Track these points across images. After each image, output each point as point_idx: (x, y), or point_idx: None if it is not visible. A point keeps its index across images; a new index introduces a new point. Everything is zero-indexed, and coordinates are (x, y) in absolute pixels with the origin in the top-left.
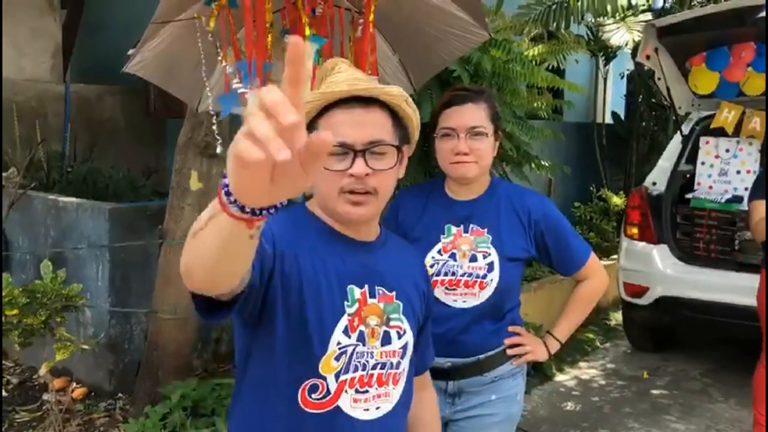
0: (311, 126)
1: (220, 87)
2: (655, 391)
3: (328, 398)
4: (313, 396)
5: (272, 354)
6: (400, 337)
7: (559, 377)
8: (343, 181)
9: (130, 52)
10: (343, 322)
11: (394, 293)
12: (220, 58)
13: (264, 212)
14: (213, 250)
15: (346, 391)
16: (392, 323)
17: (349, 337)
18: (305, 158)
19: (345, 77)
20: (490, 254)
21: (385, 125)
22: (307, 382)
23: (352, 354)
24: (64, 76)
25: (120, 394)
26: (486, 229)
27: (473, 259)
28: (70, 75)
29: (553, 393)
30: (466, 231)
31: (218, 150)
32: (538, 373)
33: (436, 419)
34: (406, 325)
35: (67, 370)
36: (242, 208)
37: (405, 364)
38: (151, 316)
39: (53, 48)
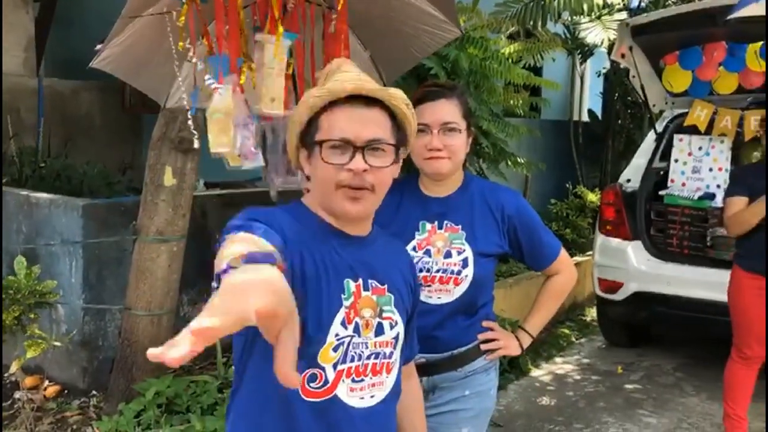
0: (315, 120)
1: (190, 82)
2: (629, 386)
3: (326, 387)
4: (311, 385)
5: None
6: (392, 327)
7: (535, 372)
8: (340, 175)
9: (98, 47)
10: (341, 314)
11: (385, 286)
12: (191, 54)
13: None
14: None
15: (343, 381)
16: (385, 315)
17: (346, 328)
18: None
19: (351, 77)
20: (464, 250)
21: (385, 125)
22: (306, 371)
23: (348, 345)
24: (38, 70)
25: (94, 392)
26: (460, 226)
27: (448, 255)
28: (43, 69)
29: (528, 388)
30: (440, 228)
31: (195, 144)
32: (513, 368)
33: (421, 407)
34: (397, 317)
35: (39, 368)
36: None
37: (396, 354)
38: (125, 313)
39: (26, 42)
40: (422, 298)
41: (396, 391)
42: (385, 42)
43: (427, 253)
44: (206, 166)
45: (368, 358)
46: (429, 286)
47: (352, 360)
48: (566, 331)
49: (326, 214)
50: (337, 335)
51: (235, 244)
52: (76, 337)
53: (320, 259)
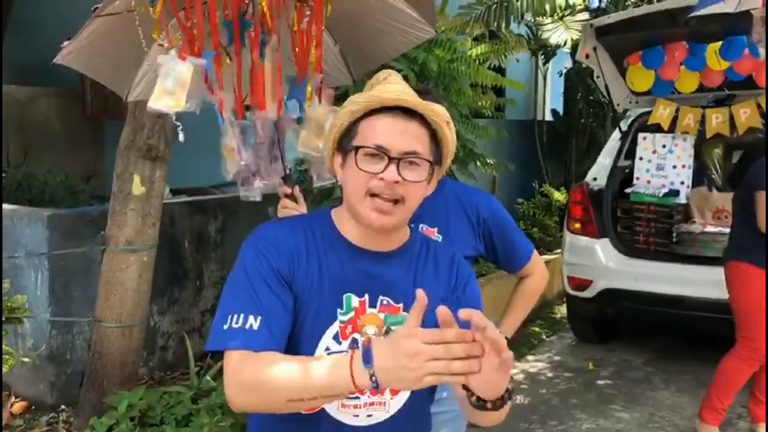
0: (354, 126)
1: (151, 76)
2: (600, 382)
3: None
4: None
5: None
6: None
7: None
8: (371, 183)
9: (65, 44)
10: (334, 328)
11: (401, 305)
12: (164, 44)
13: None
14: (298, 405)
15: None
16: None
17: (340, 343)
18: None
19: (395, 89)
20: None
21: (423, 140)
22: None
23: None
24: None
25: (63, 407)
26: (436, 228)
27: None
28: None
29: None
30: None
31: (181, 138)
32: None
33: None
34: None
35: (5, 385)
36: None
37: None
38: (94, 325)
39: None
40: None
41: (408, 413)
42: (356, 37)
43: None
44: (171, 172)
45: None
46: None
47: None
48: (536, 329)
49: (349, 224)
50: (327, 349)
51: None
52: (44, 351)
53: (316, 272)
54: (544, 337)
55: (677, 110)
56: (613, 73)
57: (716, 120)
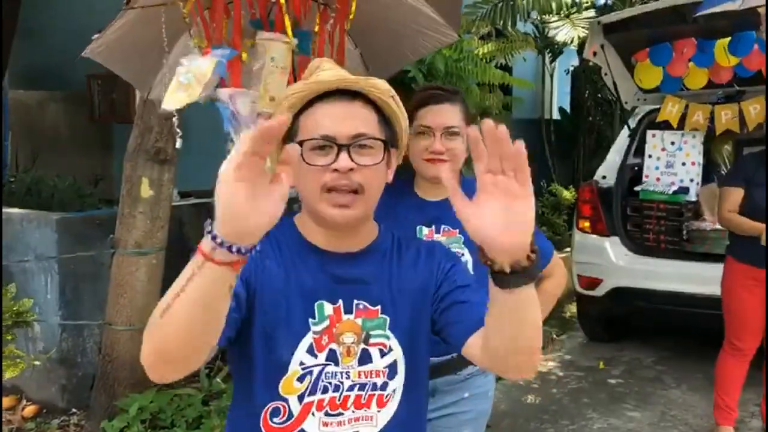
0: (294, 121)
1: (170, 77)
2: (611, 381)
3: (290, 422)
4: (275, 420)
5: (249, 377)
6: (383, 355)
7: None
8: (325, 177)
9: (95, 36)
10: (307, 340)
11: (378, 307)
12: (193, 42)
13: (249, 250)
14: (193, 317)
15: (313, 414)
16: (373, 340)
17: (315, 356)
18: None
19: (330, 74)
20: (463, 254)
21: (370, 120)
22: (269, 405)
23: (319, 374)
24: (1, 81)
25: (74, 410)
26: (458, 230)
27: None
28: (8, 81)
29: (512, 387)
30: (437, 232)
31: (178, 144)
32: None
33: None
34: (393, 342)
35: (16, 388)
36: (230, 248)
37: (396, 384)
38: (104, 328)
39: None
40: None
41: (398, 425)
42: (377, 40)
43: None
44: (179, 174)
45: (350, 389)
46: None
47: (325, 391)
48: (547, 328)
49: (313, 228)
50: (302, 364)
51: None
52: (54, 354)
53: (288, 282)
54: (554, 336)
55: (686, 107)
56: (621, 70)
57: (726, 116)
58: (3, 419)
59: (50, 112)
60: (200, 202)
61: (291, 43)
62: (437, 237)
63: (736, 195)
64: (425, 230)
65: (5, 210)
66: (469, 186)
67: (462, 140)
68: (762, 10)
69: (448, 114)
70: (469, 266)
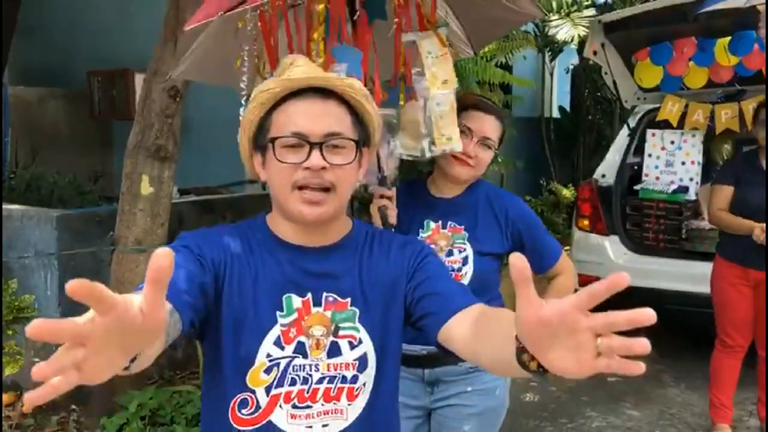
0: (265, 119)
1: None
2: (610, 379)
3: (258, 413)
4: (243, 411)
5: (218, 367)
6: (353, 347)
7: None
8: (297, 175)
9: (183, 58)
10: (275, 333)
11: (348, 300)
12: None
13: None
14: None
15: (280, 406)
16: (342, 333)
17: (283, 348)
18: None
19: (303, 71)
20: (465, 249)
21: (344, 119)
22: (237, 396)
23: (287, 367)
24: (1, 78)
25: (73, 406)
26: (463, 227)
27: (449, 254)
28: (7, 77)
29: (511, 385)
30: (444, 227)
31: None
32: None
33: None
34: (363, 335)
35: (16, 384)
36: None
37: (366, 377)
38: None
39: None
40: None
41: (369, 419)
42: (473, 10)
43: None
44: (179, 172)
45: (319, 382)
46: None
47: (293, 383)
48: None
49: (283, 224)
50: (269, 356)
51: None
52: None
53: (256, 277)
54: None
55: (686, 106)
56: (621, 69)
57: (726, 116)
58: (3, 415)
59: (50, 109)
60: (200, 199)
61: (432, 31)
62: (443, 232)
63: (725, 193)
64: (432, 224)
65: (5, 206)
66: (481, 187)
67: (492, 153)
68: (762, 8)
69: (491, 125)
70: (470, 259)
